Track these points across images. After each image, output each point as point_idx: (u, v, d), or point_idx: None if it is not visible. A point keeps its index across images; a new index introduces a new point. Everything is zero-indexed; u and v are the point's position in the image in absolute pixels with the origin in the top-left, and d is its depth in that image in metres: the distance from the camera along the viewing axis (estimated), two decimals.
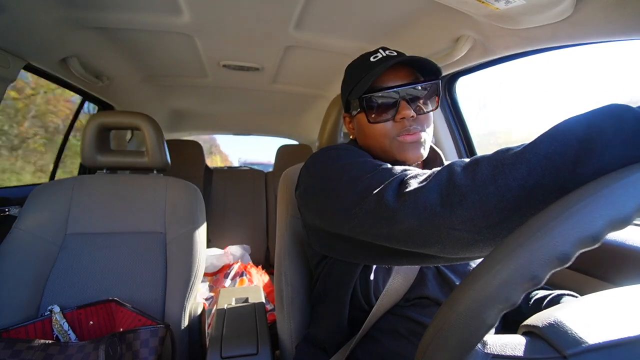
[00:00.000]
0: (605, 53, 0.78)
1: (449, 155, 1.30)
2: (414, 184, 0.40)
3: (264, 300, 1.07)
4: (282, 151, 2.60)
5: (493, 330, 0.23)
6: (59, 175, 1.70)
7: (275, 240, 0.87)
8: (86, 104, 1.62)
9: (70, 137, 1.68)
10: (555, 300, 0.59)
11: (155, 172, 1.14)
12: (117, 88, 1.53)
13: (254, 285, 1.72)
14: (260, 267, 1.99)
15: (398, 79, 0.61)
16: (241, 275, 1.77)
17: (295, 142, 2.95)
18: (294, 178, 0.81)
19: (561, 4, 0.62)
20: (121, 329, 0.83)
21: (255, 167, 3.00)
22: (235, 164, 7.26)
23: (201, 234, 1.06)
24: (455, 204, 0.35)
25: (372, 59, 0.64)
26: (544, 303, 0.60)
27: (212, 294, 1.70)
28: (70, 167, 2.30)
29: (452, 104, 1.29)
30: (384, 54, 0.64)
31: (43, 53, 1.06)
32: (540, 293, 0.63)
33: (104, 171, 1.10)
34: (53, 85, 1.34)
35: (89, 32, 1.07)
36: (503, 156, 0.34)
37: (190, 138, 2.62)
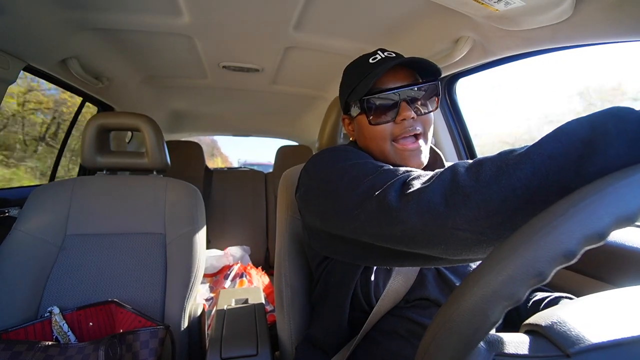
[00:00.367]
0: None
1: (449, 156, 1.30)
2: (417, 185, 0.40)
3: (263, 301, 1.07)
4: (282, 152, 2.60)
5: (494, 329, 0.23)
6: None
7: (275, 241, 0.87)
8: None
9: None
10: (554, 302, 0.59)
11: (155, 173, 1.14)
12: (116, 89, 1.53)
13: (254, 286, 1.72)
14: (260, 268, 1.99)
15: (398, 81, 0.61)
16: (241, 276, 1.77)
17: (295, 143, 2.95)
18: (294, 179, 0.81)
19: (561, 6, 0.62)
20: (121, 330, 0.83)
21: (255, 167, 3.00)
22: (235, 164, 7.26)
23: (201, 235, 1.06)
24: (459, 204, 0.35)
25: (371, 61, 0.64)
26: (542, 305, 0.60)
27: (212, 295, 1.69)
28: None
29: (452, 105, 1.30)
30: (383, 56, 0.64)
31: (43, 54, 1.06)
32: (539, 295, 0.64)
33: (104, 172, 1.10)
34: None
35: (89, 34, 1.07)
36: (507, 157, 0.34)
37: (192, 140, 2.62)
